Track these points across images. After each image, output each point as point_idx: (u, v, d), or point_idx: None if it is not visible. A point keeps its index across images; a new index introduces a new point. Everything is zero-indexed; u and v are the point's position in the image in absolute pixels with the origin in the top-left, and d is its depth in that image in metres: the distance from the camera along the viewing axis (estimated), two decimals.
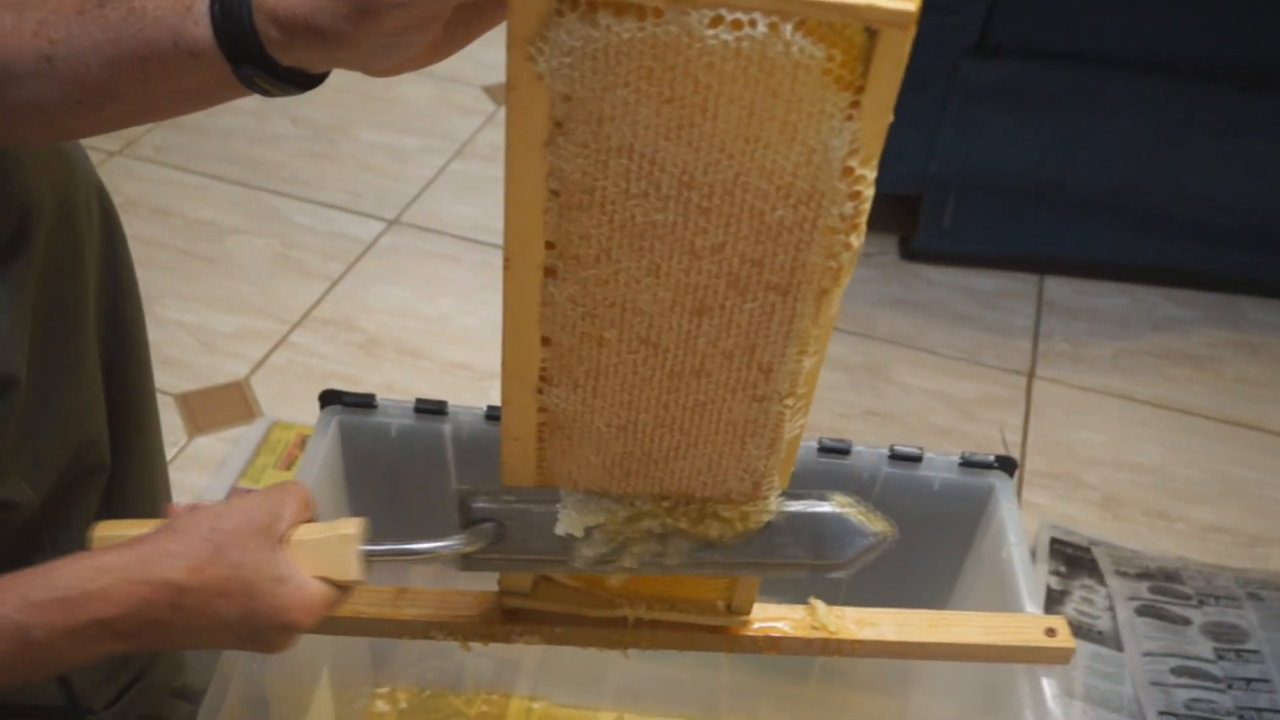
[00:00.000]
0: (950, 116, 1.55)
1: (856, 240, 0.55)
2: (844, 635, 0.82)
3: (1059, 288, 1.69)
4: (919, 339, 1.59)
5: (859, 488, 0.97)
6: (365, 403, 0.96)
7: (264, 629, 0.60)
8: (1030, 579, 0.89)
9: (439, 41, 0.58)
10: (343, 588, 0.64)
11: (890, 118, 0.52)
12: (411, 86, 1.97)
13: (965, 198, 1.65)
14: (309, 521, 0.64)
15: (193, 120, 1.85)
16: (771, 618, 0.82)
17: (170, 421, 1.32)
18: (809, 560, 0.68)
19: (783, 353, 0.60)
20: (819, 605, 0.83)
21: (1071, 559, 1.29)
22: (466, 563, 0.68)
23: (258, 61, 0.56)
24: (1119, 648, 1.20)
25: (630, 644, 0.82)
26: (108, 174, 1.71)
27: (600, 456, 0.67)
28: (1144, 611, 1.24)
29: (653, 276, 0.58)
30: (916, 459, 0.96)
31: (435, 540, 0.66)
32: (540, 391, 0.65)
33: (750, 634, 0.82)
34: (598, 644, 0.82)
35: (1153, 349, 1.61)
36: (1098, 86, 1.52)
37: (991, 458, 0.96)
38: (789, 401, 0.63)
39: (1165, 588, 1.27)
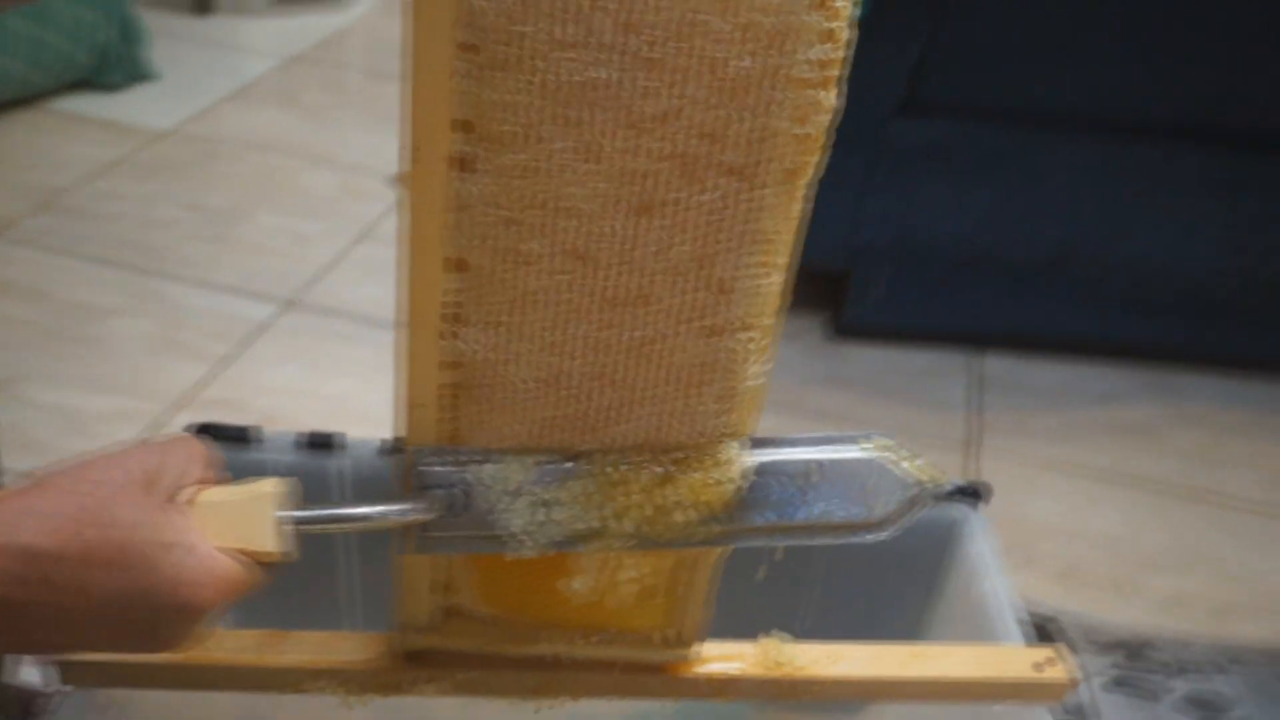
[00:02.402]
0: (879, 181, 1.50)
1: (830, 98, 0.47)
2: (808, 673, 0.69)
3: (995, 363, 1.63)
4: (850, 415, 1.50)
5: None
6: (239, 436, 0.83)
7: (155, 611, 0.45)
8: (1012, 612, 0.78)
9: None
10: (258, 565, 0.50)
11: None
12: (313, 175, 1.88)
13: (896, 270, 1.59)
14: (212, 483, 0.51)
15: (77, 204, 1.73)
16: (722, 656, 0.70)
17: None
18: (843, 519, 0.55)
19: (742, 262, 0.50)
20: (778, 639, 0.70)
21: (1037, 631, 1.18)
22: (421, 542, 0.55)
23: None
24: None
25: (556, 692, 0.69)
26: None
27: (522, 423, 0.56)
28: (1120, 683, 1.13)
29: (588, 160, 0.48)
30: None
31: (380, 504, 0.53)
32: (449, 337, 0.53)
33: (697, 675, 0.69)
34: (516, 693, 0.69)
35: (1097, 421, 1.54)
36: (1033, 147, 1.48)
37: (950, 486, 0.86)
38: (748, 335, 0.53)
39: (1139, 657, 1.16)
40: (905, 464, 0.55)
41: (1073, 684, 0.71)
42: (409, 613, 0.65)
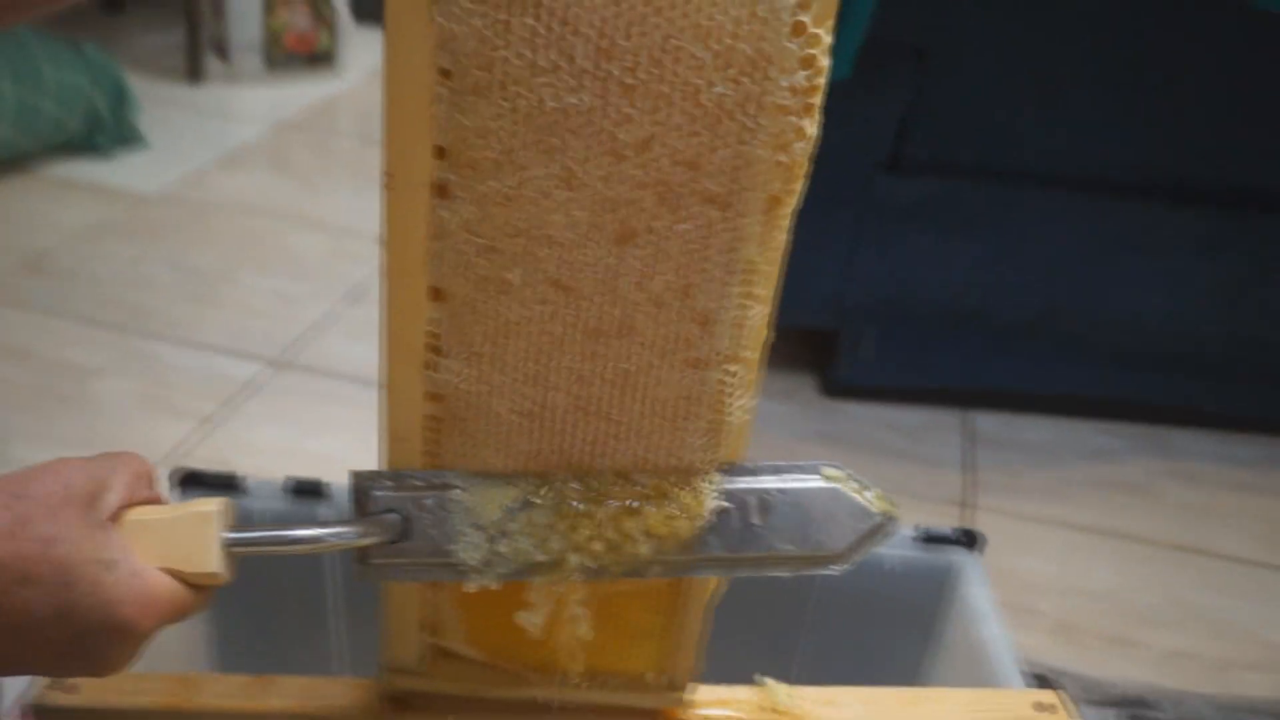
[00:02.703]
0: (865, 239, 1.50)
1: (810, 126, 0.46)
2: (804, 718, 0.68)
3: (986, 421, 1.62)
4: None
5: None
6: (225, 483, 0.82)
7: (87, 631, 0.44)
8: (1012, 657, 0.77)
9: None
10: (197, 587, 0.49)
11: None
12: (302, 237, 1.89)
13: (884, 328, 1.58)
14: (152, 503, 0.50)
15: (64, 265, 1.73)
16: (716, 701, 0.68)
17: None
18: (794, 551, 0.54)
19: (724, 293, 0.50)
20: (773, 684, 0.69)
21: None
22: (363, 569, 0.53)
23: None
24: None
25: None
26: None
27: (504, 457, 0.55)
28: None
29: (566, 188, 0.47)
30: None
31: (322, 527, 0.52)
32: (430, 368, 0.53)
33: (692, 719, 0.67)
34: None
35: (1089, 478, 1.53)
36: (1019, 204, 1.48)
37: (950, 530, 0.85)
38: (732, 369, 0.52)
39: (1140, 715, 1.14)
40: (862, 494, 0.54)
41: None
42: (395, 654, 0.63)
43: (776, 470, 0.54)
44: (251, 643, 0.84)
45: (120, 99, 2.06)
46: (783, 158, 0.46)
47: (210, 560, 0.48)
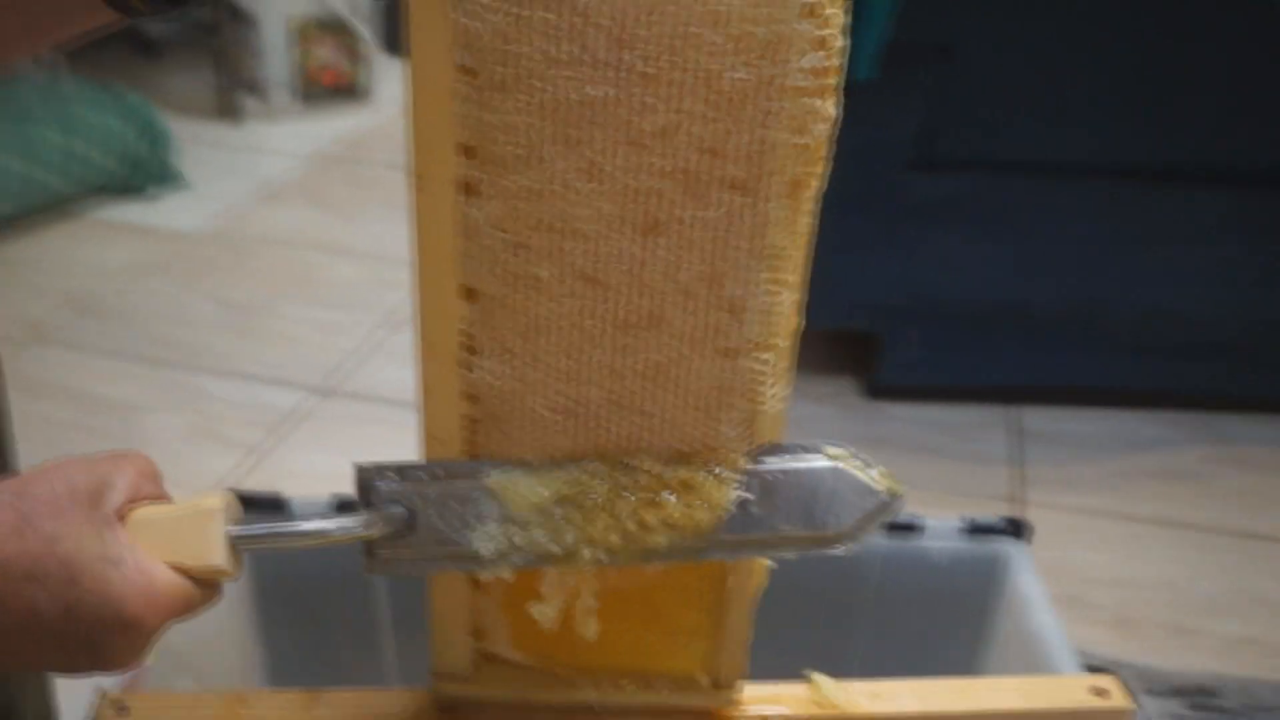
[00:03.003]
0: (897, 239, 1.49)
1: (829, 107, 0.46)
2: (855, 711, 0.67)
3: (1034, 417, 1.60)
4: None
5: (850, 568, 0.84)
6: (272, 504, 0.82)
7: (94, 627, 0.44)
8: (1065, 645, 0.76)
9: None
10: (204, 583, 0.49)
11: None
12: (339, 266, 1.91)
13: (924, 328, 1.57)
14: (159, 501, 0.50)
15: (109, 305, 1.76)
16: (766, 698, 0.68)
17: None
18: (798, 532, 0.53)
19: (752, 279, 0.50)
20: (822, 679, 0.68)
21: None
22: (371, 562, 0.54)
23: None
24: None
25: None
26: (15, 364, 1.60)
27: (542, 454, 0.55)
28: None
29: (591, 180, 0.47)
30: (915, 529, 0.84)
31: (326, 519, 0.52)
32: (466, 368, 0.53)
33: (743, 718, 0.67)
34: None
35: (1141, 468, 1.51)
36: (1049, 197, 1.47)
37: (999, 520, 0.84)
38: (764, 357, 0.52)
39: (1203, 703, 1.12)
40: (866, 472, 0.54)
41: (1133, 712, 0.68)
42: (444, 660, 0.63)
43: (778, 451, 0.54)
44: (304, 661, 0.85)
45: (158, 140, 2.10)
46: (803, 140, 0.46)
47: (216, 555, 0.48)
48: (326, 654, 0.84)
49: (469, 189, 0.48)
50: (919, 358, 1.59)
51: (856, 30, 1.42)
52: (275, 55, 2.48)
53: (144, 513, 0.48)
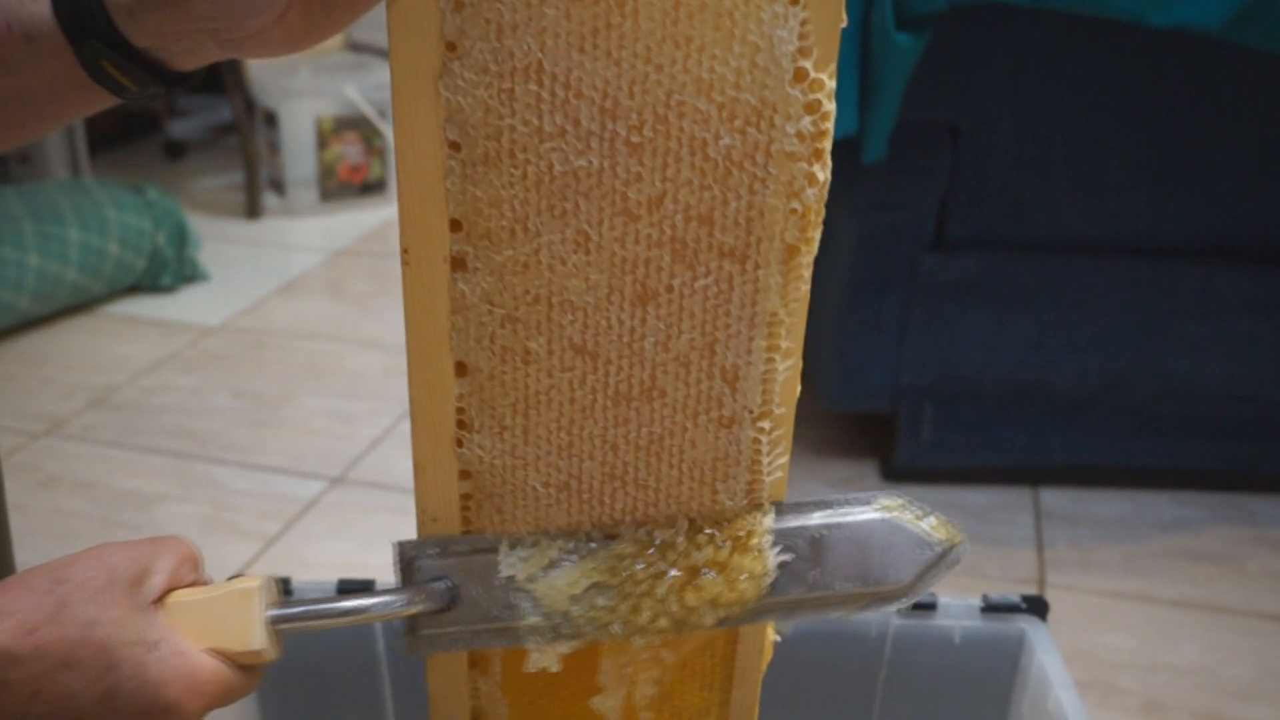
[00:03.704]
0: (916, 320, 1.49)
1: (821, 172, 0.46)
2: None
3: (1055, 497, 1.58)
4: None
5: (864, 649, 0.82)
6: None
7: (134, 714, 0.43)
8: None
9: (310, 10, 0.49)
10: (243, 667, 0.48)
11: (843, 14, 0.44)
12: (358, 357, 1.92)
13: (942, 409, 1.56)
14: (200, 584, 0.50)
15: (127, 399, 1.77)
16: None
17: None
18: (855, 589, 0.51)
19: (749, 348, 0.49)
20: None
21: None
22: (414, 640, 0.52)
23: (104, 37, 0.48)
24: None
25: None
26: (31, 455, 1.61)
27: (538, 531, 0.54)
28: None
29: (581, 251, 0.47)
30: (930, 607, 0.82)
31: (368, 597, 0.51)
32: (459, 445, 0.53)
33: None
34: None
35: (1166, 550, 1.48)
36: (1067, 275, 1.47)
37: (1018, 598, 0.82)
38: (763, 425, 0.51)
39: None
40: (922, 522, 0.52)
41: None
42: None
43: (828, 505, 0.52)
44: None
45: (182, 238, 2.13)
46: (796, 205, 0.46)
47: (255, 638, 0.48)
48: None
49: (459, 264, 0.48)
50: (938, 439, 1.57)
51: (871, 111, 1.42)
52: (300, 154, 2.53)
53: (181, 596, 0.48)
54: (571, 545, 0.52)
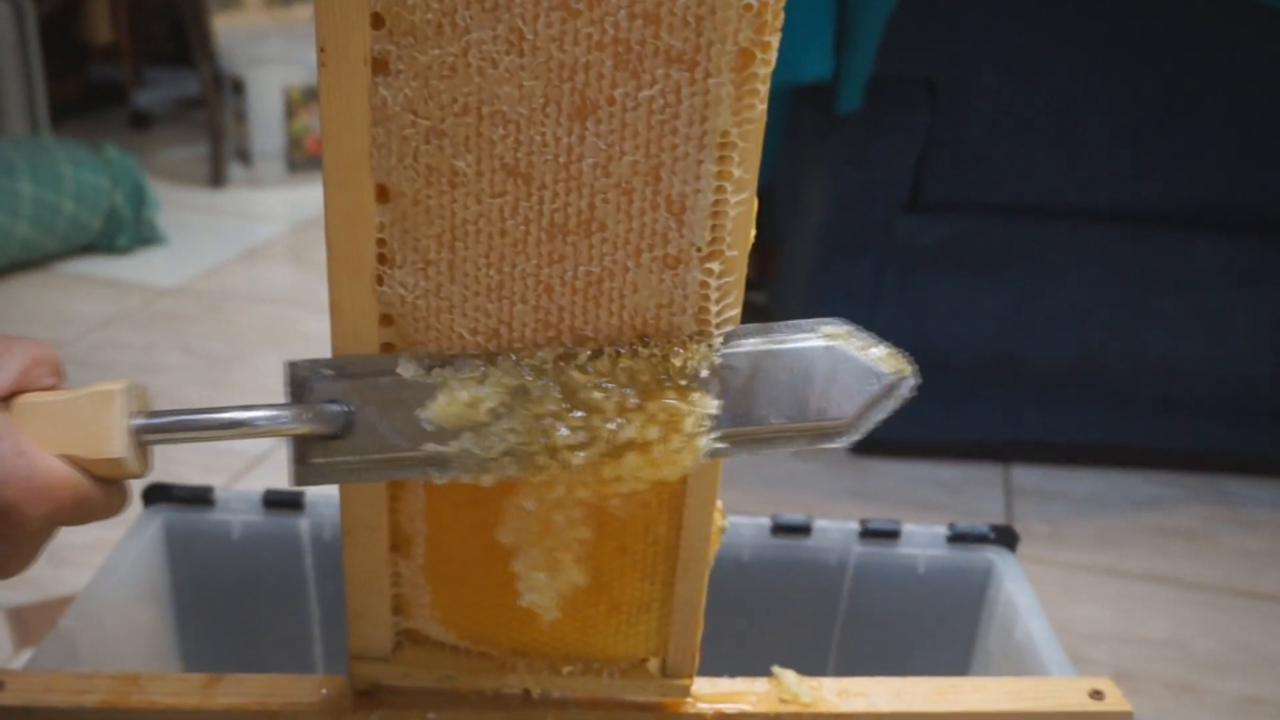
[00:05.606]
0: (889, 286, 1.45)
1: None
2: (823, 709, 0.61)
3: (1027, 474, 1.54)
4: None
5: (825, 575, 0.78)
6: (200, 497, 0.77)
7: None
8: (1060, 653, 0.69)
9: None
10: (102, 479, 0.43)
11: None
12: (316, 321, 1.87)
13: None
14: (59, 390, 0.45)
15: (76, 354, 1.71)
16: (725, 694, 0.61)
17: None
18: (792, 425, 0.46)
19: (697, 173, 0.45)
20: (786, 674, 0.62)
21: None
22: (303, 470, 0.47)
23: None
24: None
25: None
26: None
27: None
28: None
29: (515, 53, 0.43)
30: (893, 534, 0.78)
31: (250, 410, 0.45)
32: (380, 283, 0.48)
33: (697, 714, 0.60)
34: None
35: (1138, 526, 1.45)
36: (1045, 241, 1.43)
37: (986, 528, 0.78)
38: (711, 267, 0.47)
39: None
40: (869, 351, 0.48)
41: (1130, 715, 0.62)
42: (360, 638, 0.57)
43: (767, 332, 0.47)
44: (230, 655, 0.78)
45: (141, 198, 2.07)
46: (751, 0, 0.42)
47: (114, 445, 0.43)
48: (250, 657, 0.77)
49: (380, 65, 0.44)
50: (908, 412, 1.53)
51: (847, 56, 1.37)
52: (268, 125, 2.48)
53: (33, 398, 0.43)
54: (480, 368, 0.47)
